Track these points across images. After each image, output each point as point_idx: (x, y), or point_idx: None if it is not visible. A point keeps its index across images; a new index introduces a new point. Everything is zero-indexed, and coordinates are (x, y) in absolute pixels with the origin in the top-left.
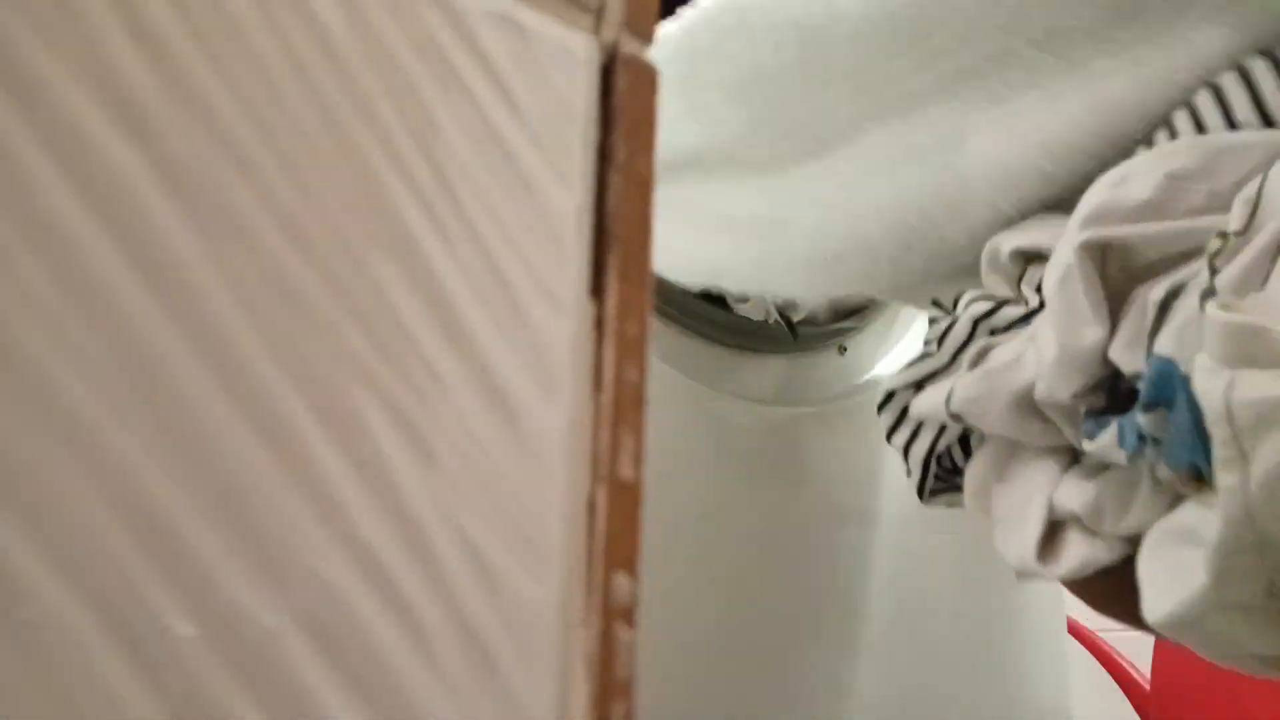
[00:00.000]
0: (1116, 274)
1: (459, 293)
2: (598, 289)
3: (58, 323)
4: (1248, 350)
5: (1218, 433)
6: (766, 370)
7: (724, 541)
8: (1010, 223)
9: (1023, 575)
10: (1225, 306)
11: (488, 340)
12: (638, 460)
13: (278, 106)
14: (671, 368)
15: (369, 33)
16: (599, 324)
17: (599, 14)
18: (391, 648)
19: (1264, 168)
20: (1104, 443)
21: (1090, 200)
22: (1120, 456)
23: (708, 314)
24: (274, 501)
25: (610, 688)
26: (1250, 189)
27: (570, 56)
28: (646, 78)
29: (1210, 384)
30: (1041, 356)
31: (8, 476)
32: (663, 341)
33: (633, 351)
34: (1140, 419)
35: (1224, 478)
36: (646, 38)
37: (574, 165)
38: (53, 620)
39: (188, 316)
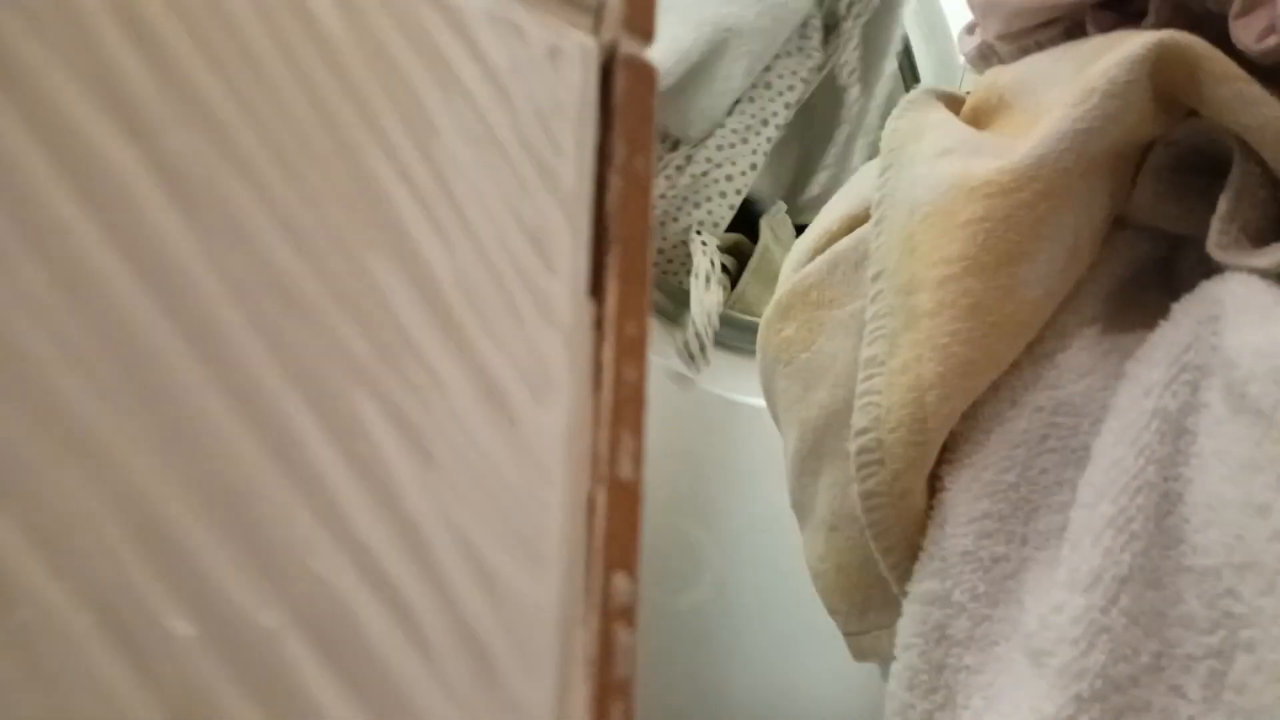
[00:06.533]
0: None
1: (457, 293)
2: (597, 289)
3: (55, 322)
4: None
5: None
6: None
7: (725, 541)
8: None
9: None
10: None
11: (486, 340)
12: (637, 460)
13: (275, 106)
14: (672, 367)
15: (367, 32)
16: (598, 324)
17: (598, 14)
18: (389, 648)
19: None
20: None
21: None
22: None
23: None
24: (272, 501)
25: (610, 688)
26: None
27: (569, 56)
28: (646, 78)
29: None
30: None
31: (5, 477)
32: (663, 342)
33: (632, 351)
34: None
35: None
36: (646, 37)
37: (572, 165)
38: (50, 621)
39: (185, 316)
